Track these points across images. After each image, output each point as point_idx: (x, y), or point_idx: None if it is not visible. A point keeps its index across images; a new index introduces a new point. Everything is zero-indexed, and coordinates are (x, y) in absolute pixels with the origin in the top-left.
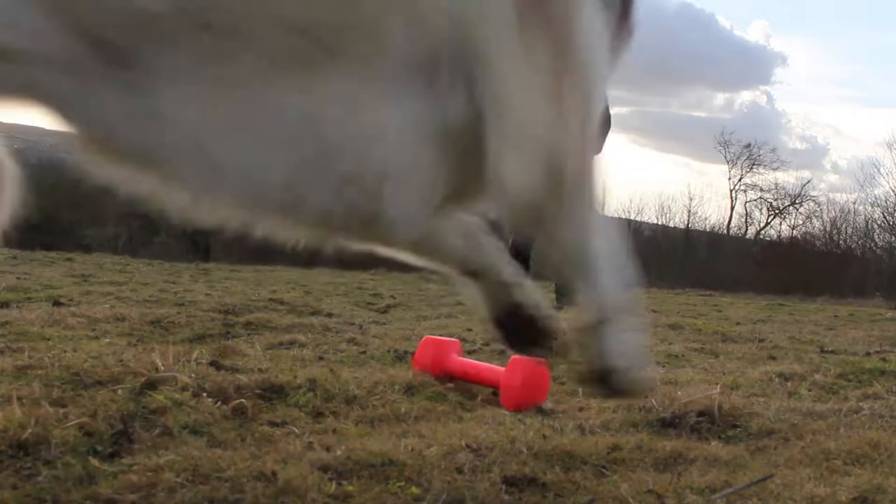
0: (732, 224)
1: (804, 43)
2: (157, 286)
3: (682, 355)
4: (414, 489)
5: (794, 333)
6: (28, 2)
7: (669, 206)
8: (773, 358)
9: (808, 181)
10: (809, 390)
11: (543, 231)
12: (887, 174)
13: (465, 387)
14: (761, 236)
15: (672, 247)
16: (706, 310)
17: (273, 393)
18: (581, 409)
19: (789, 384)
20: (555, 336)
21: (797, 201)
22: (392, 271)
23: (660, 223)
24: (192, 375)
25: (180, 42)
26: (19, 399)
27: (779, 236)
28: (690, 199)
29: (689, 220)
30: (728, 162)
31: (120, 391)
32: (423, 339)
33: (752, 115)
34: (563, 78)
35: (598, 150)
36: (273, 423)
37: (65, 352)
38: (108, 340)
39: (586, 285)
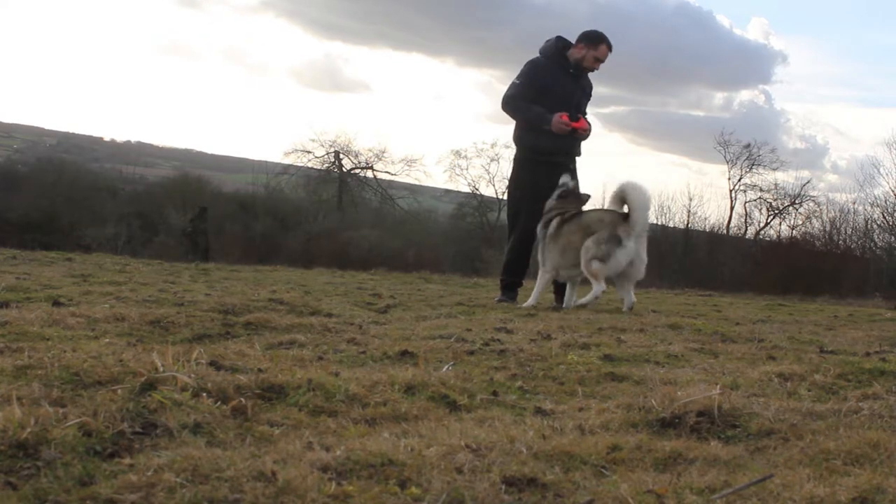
0: (732, 224)
1: (804, 42)
2: (157, 286)
3: (682, 355)
4: (414, 489)
5: (793, 333)
6: None
7: (669, 207)
8: (772, 358)
9: (808, 181)
10: (809, 390)
11: None
12: (887, 174)
13: (464, 386)
14: (761, 236)
15: (672, 247)
16: (706, 310)
17: (273, 393)
18: (581, 409)
19: (789, 384)
20: None
21: (797, 201)
22: (392, 271)
23: (660, 223)
24: (192, 375)
25: None
26: (19, 399)
27: (778, 236)
28: (690, 200)
29: (688, 221)
30: (728, 162)
31: (119, 391)
32: None
33: (752, 115)
34: None
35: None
36: (273, 423)
37: (64, 352)
38: (107, 340)
39: None
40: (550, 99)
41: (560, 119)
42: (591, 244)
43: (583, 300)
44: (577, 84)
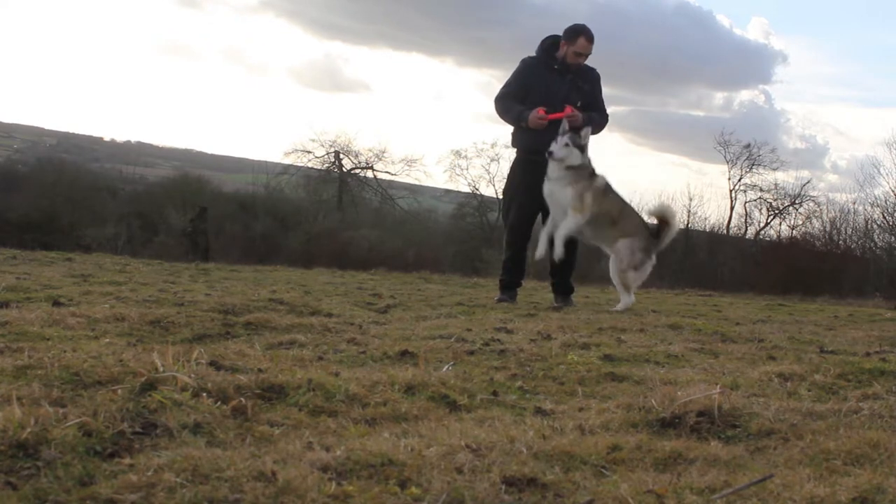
0: (732, 224)
1: (804, 42)
2: (157, 286)
3: (682, 355)
4: (414, 489)
5: (793, 334)
6: None
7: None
8: (772, 358)
9: (808, 181)
10: (809, 390)
11: None
12: (887, 174)
13: (464, 386)
14: (761, 236)
15: (672, 247)
16: (706, 310)
17: (273, 393)
18: (581, 410)
19: (789, 384)
20: None
21: (797, 201)
22: (392, 271)
23: None
24: (192, 375)
25: None
26: (19, 399)
27: (778, 236)
28: (690, 199)
29: (688, 220)
30: (728, 162)
31: (120, 391)
32: None
33: (752, 115)
34: None
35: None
36: (273, 423)
37: (64, 352)
38: (107, 340)
39: None
40: (535, 97)
41: (536, 114)
42: (625, 251)
43: (617, 308)
44: (564, 80)
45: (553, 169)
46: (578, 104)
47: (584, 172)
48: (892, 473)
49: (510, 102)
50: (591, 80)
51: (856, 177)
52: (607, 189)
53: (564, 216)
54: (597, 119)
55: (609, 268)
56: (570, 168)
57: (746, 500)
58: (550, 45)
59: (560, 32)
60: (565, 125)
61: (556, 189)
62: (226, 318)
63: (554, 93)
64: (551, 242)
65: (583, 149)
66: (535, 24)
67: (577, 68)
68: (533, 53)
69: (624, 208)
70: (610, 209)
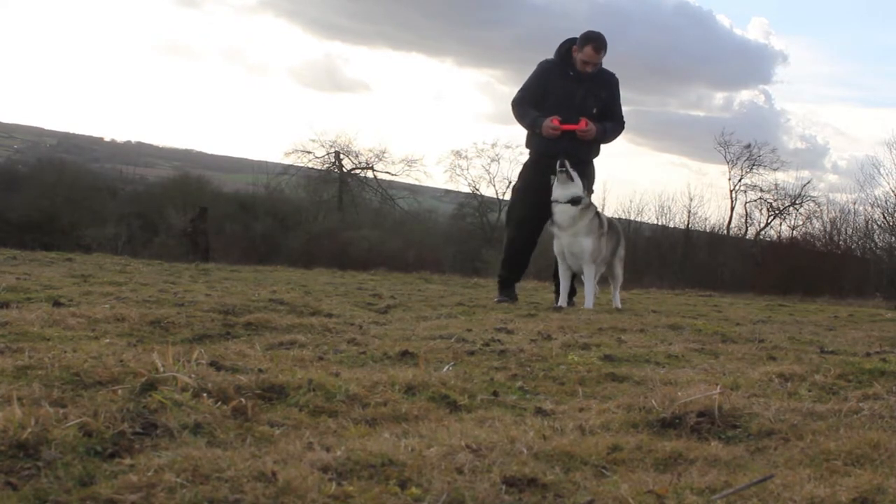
0: (732, 224)
1: (804, 42)
2: (157, 286)
3: (682, 355)
4: (414, 489)
5: (794, 334)
6: None
7: (669, 207)
8: (772, 358)
9: (808, 181)
10: (809, 391)
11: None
12: (887, 174)
13: (464, 386)
14: (761, 237)
15: (672, 247)
16: (706, 310)
17: (273, 393)
18: (581, 410)
19: (789, 385)
20: None
21: (797, 202)
22: (392, 271)
23: (660, 223)
24: (193, 376)
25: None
26: (19, 399)
27: (779, 237)
28: (690, 200)
29: (689, 221)
30: (728, 162)
31: (120, 391)
32: None
33: (752, 115)
34: None
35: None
36: (273, 424)
37: (65, 352)
38: (108, 341)
39: None
40: (550, 101)
41: (549, 123)
42: (623, 253)
43: (619, 304)
44: (579, 86)
45: (563, 219)
46: (594, 111)
47: (591, 213)
48: (892, 474)
49: (526, 108)
50: (608, 86)
51: (856, 177)
52: (608, 222)
53: (580, 264)
54: (610, 129)
55: (616, 269)
56: (582, 215)
57: (747, 501)
58: (567, 49)
59: (560, 33)
60: (558, 179)
61: (571, 242)
62: (226, 318)
63: (569, 97)
64: (572, 292)
65: (584, 190)
66: (535, 24)
67: (588, 76)
68: (535, 53)
69: (610, 225)
70: (611, 239)
